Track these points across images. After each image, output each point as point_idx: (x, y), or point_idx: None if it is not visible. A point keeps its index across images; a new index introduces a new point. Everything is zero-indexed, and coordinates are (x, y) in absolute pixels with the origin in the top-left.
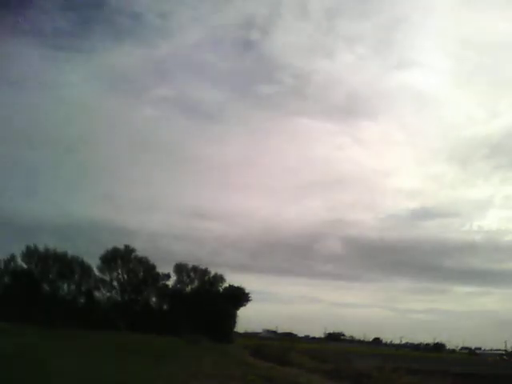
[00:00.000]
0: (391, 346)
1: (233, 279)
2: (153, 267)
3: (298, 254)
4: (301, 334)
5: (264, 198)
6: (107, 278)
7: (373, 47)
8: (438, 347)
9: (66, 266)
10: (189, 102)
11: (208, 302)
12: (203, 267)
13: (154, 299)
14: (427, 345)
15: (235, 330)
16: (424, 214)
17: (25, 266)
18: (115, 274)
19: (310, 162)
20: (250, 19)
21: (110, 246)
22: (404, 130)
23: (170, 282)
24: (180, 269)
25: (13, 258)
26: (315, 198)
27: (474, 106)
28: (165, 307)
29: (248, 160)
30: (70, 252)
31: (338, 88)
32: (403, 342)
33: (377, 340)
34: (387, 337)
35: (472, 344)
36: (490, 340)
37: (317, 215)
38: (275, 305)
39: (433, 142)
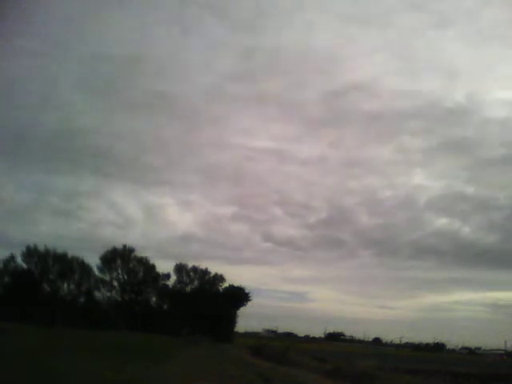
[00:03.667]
0: (391, 345)
1: None
2: (153, 267)
3: None
4: (301, 334)
5: None
6: (107, 277)
7: None
8: (438, 347)
9: (65, 266)
10: None
11: (208, 302)
12: (203, 267)
13: (153, 299)
14: (427, 344)
15: (235, 329)
16: None
17: (25, 266)
18: (115, 273)
19: None
20: None
21: None
22: None
23: (170, 282)
24: (180, 269)
25: (13, 257)
26: None
27: None
28: (165, 307)
29: None
30: None
31: None
32: (403, 341)
33: (377, 340)
34: (387, 337)
35: (472, 344)
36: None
37: None
38: None
39: None
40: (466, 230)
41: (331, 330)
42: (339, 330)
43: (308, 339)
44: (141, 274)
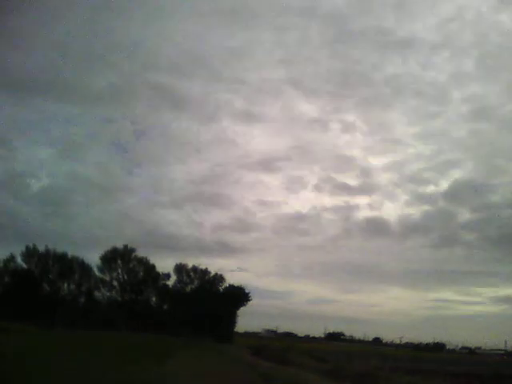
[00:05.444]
0: (391, 345)
1: None
2: (153, 267)
3: None
4: (301, 334)
5: None
6: (107, 277)
7: None
8: (438, 347)
9: (65, 265)
10: None
11: (208, 302)
12: (203, 267)
13: (154, 299)
14: (427, 344)
15: (235, 329)
16: None
17: (25, 265)
18: (115, 273)
19: None
20: None
21: None
22: None
23: (170, 282)
24: (180, 269)
25: (13, 257)
26: None
27: None
28: (165, 307)
29: None
30: None
31: None
32: (403, 341)
33: (377, 340)
34: (387, 337)
35: (472, 344)
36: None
37: None
38: None
39: None
40: None
41: (331, 329)
42: (339, 330)
43: (308, 339)
44: (141, 273)
